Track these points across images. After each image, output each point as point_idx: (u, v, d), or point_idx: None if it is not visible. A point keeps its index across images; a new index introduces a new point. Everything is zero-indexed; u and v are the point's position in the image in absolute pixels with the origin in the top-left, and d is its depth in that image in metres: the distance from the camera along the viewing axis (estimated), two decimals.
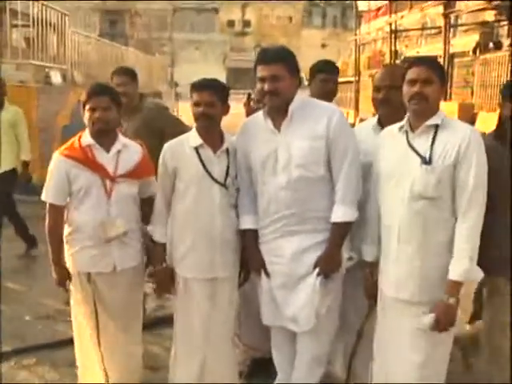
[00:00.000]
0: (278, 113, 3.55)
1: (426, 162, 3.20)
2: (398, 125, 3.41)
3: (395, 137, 3.39)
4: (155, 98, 23.53)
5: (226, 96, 3.72)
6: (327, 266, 3.53)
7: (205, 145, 3.71)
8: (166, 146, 3.78)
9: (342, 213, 3.50)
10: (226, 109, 3.73)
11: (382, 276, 3.45)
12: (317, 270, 3.53)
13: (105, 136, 3.82)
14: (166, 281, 3.85)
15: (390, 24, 20.00)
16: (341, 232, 3.54)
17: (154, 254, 3.87)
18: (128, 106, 4.84)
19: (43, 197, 3.83)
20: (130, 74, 5.16)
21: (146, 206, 3.93)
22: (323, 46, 60.75)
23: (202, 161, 3.70)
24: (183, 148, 3.74)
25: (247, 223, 3.74)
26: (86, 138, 3.82)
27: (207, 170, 3.70)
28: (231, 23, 65.12)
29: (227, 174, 3.73)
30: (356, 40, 25.30)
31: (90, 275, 3.83)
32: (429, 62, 3.34)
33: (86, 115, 3.78)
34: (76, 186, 3.76)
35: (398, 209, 3.28)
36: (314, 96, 4.43)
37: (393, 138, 3.41)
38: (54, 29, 12.34)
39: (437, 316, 3.16)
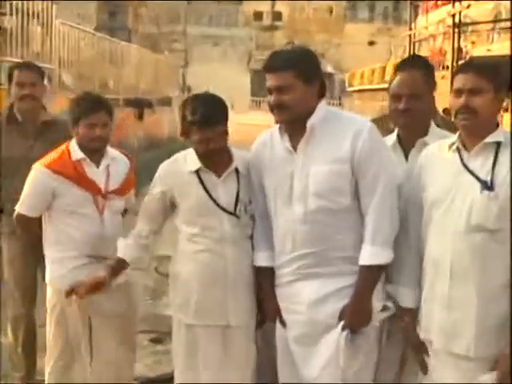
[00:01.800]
0: (296, 127, 3.53)
1: (488, 186, 3.19)
2: (446, 142, 3.41)
3: (444, 156, 3.38)
4: (164, 106, 23.77)
5: (228, 115, 3.79)
6: (354, 318, 3.46)
7: (204, 168, 3.73)
8: (161, 167, 3.86)
9: (370, 254, 3.44)
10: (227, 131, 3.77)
11: (425, 323, 3.40)
12: (342, 323, 3.47)
13: (96, 150, 4.21)
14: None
15: (453, 15, 19.97)
16: (370, 277, 3.47)
17: (114, 267, 3.99)
18: (35, 119, 4.77)
19: (17, 207, 4.25)
20: (39, 71, 5.10)
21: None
22: (371, 43, 61.03)
23: (204, 186, 3.72)
24: (181, 171, 3.77)
25: (262, 260, 3.72)
26: (76, 151, 4.20)
27: (211, 197, 3.71)
28: (258, 15, 65.76)
29: (237, 199, 3.73)
30: (410, 36, 25.36)
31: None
32: (477, 66, 3.32)
33: (83, 131, 4.14)
34: (63, 201, 4.16)
35: (450, 242, 3.26)
36: None
37: (440, 158, 3.40)
38: (38, 19, 12.43)
39: (500, 373, 3.13)
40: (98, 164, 4.23)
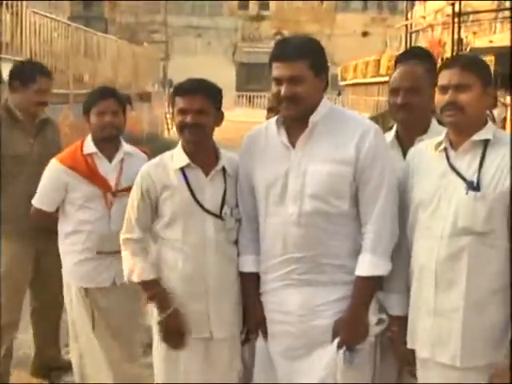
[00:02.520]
0: (296, 123, 3.54)
1: (474, 187, 3.24)
2: (433, 141, 3.46)
3: (430, 156, 3.44)
4: (143, 102, 23.65)
5: (220, 101, 3.85)
6: (350, 333, 3.48)
7: (193, 165, 3.75)
8: (144, 167, 3.89)
9: (370, 264, 3.47)
10: (219, 118, 3.86)
11: (411, 331, 3.46)
12: (337, 340, 3.47)
13: (108, 143, 4.59)
14: (177, 329, 3.77)
15: (453, 4, 20.02)
16: (367, 289, 3.51)
17: (153, 301, 3.84)
18: (34, 117, 5.19)
19: (34, 201, 4.68)
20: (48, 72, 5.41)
21: None
22: (364, 34, 60.92)
23: (189, 186, 3.72)
24: (165, 170, 3.80)
25: (248, 265, 3.73)
26: (89, 145, 4.59)
27: (196, 198, 3.71)
28: (244, 5, 65.50)
29: (223, 201, 3.74)
30: (407, 26, 25.40)
31: (88, 289, 4.51)
32: (463, 60, 3.40)
33: (93, 120, 4.52)
34: (74, 195, 4.54)
35: (435, 247, 3.31)
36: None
37: (427, 158, 3.46)
38: (7, 8, 12.33)
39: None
40: (110, 159, 4.56)
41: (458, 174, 3.30)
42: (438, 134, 3.67)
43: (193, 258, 3.75)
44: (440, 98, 3.35)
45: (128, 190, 4.23)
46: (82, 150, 4.56)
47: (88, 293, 4.51)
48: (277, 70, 3.49)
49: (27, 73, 5.21)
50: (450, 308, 3.28)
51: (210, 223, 3.74)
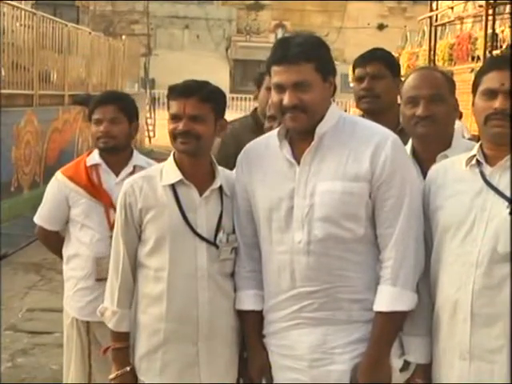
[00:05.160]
0: (301, 135, 3.55)
1: None
2: (461, 157, 3.47)
3: (459, 174, 3.44)
4: None
5: (223, 107, 3.82)
6: (370, 380, 3.45)
7: (186, 181, 3.73)
8: (127, 181, 3.89)
9: (391, 297, 3.46)
10: (220, 127, 3.82)
11: (441, 380, 3.42)
12: None
13: (115, 154, 4.77)
14: None
15: None
16: (389, 327, 3.50)
17: (114, 352, 3.92)
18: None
19: (35, 218, 4.90)
20: None
21: None
22: (381, 27, 61.17)
23: (180, 206, 3.70)
24: (153, 186, 3.78)
25: (247, 302, 3.73)
26: (93, 156, 4.79)
27: (188, 220, 3.70)
28: None
29: (219, 226, 3.73)
30: (431, 18, 25.42)
31: (89, 324, 4.63)
32: None
33: (92, 129, 4.77)
34: (75, 211, 4.76)
35: (470, 277, 3.29)
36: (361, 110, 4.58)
37: (455, 176, 3.46)
38: None
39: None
40: (117, 171, 4.73)
41: (498, 191, 3.30)
42: (463, 148, 3.71)
43: (181, 291, 3.74)
44: (486, 105, 3.34)
45: None
46: (85, 162, 4.76)
47: (89, 328, 4.52)
48: (278, 76, 3.50)
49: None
50: (492, 348, 3.26)
51: (202, 251, 3.74)
